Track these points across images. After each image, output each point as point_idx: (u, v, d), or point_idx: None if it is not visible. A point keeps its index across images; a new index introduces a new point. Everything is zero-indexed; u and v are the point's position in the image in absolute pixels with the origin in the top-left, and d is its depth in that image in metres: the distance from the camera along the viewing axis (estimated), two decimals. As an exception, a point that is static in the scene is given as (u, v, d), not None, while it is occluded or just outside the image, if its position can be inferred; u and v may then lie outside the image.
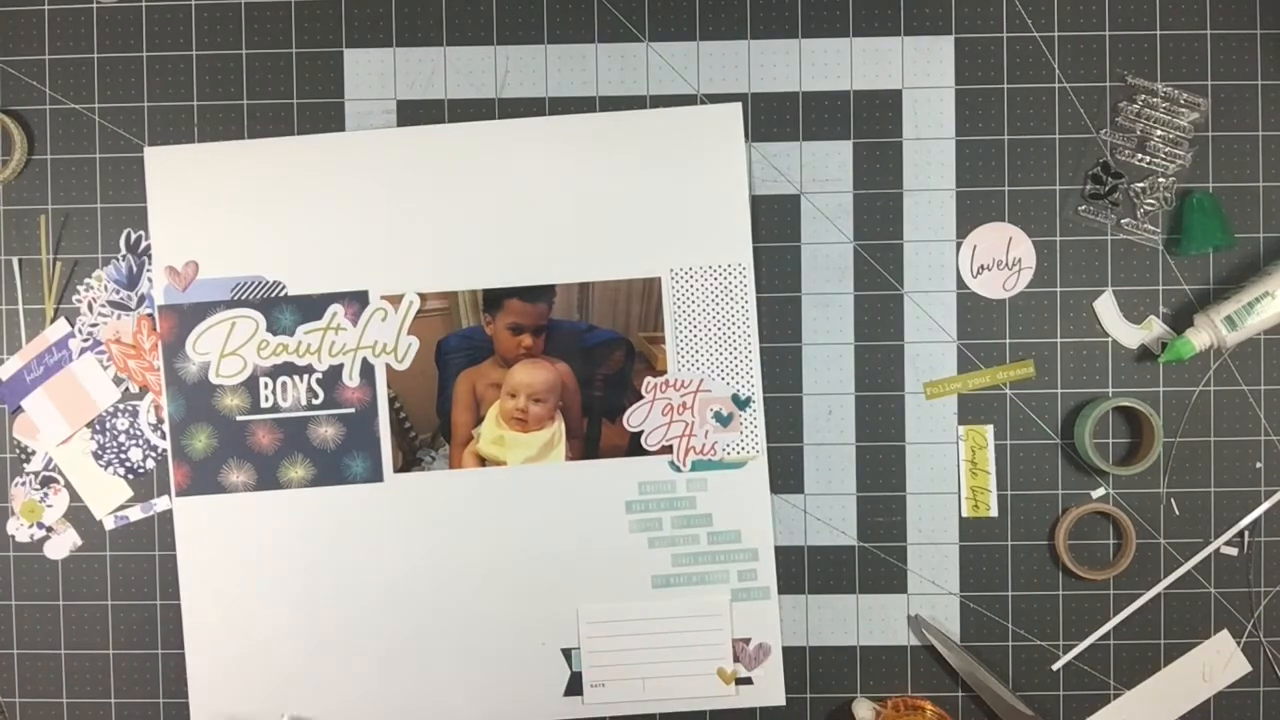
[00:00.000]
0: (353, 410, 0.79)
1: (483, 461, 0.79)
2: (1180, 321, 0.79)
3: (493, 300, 0.79)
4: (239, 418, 0.79)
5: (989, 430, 0.80)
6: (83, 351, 0.80)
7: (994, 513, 0.80)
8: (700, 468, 0.79)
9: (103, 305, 0.80)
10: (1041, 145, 0.80)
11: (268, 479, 0.79)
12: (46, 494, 0.80)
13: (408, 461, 0.79)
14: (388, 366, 0.79)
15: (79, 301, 0.80)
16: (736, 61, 0.80)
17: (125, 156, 0.80)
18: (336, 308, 0.79)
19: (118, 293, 0.80)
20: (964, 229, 0.80)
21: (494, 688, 0.79)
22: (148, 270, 0.80)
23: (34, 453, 0.81)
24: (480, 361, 0.79)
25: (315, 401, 0.79)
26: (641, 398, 0.79)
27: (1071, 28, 0.80)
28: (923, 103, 0.80)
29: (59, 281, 0.80)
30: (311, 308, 0.79)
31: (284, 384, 0.79)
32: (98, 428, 0.80)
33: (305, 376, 0.79)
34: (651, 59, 0.80)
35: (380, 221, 0.79)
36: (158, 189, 0.80)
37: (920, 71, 0.80)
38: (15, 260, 0.80)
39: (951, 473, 0.80)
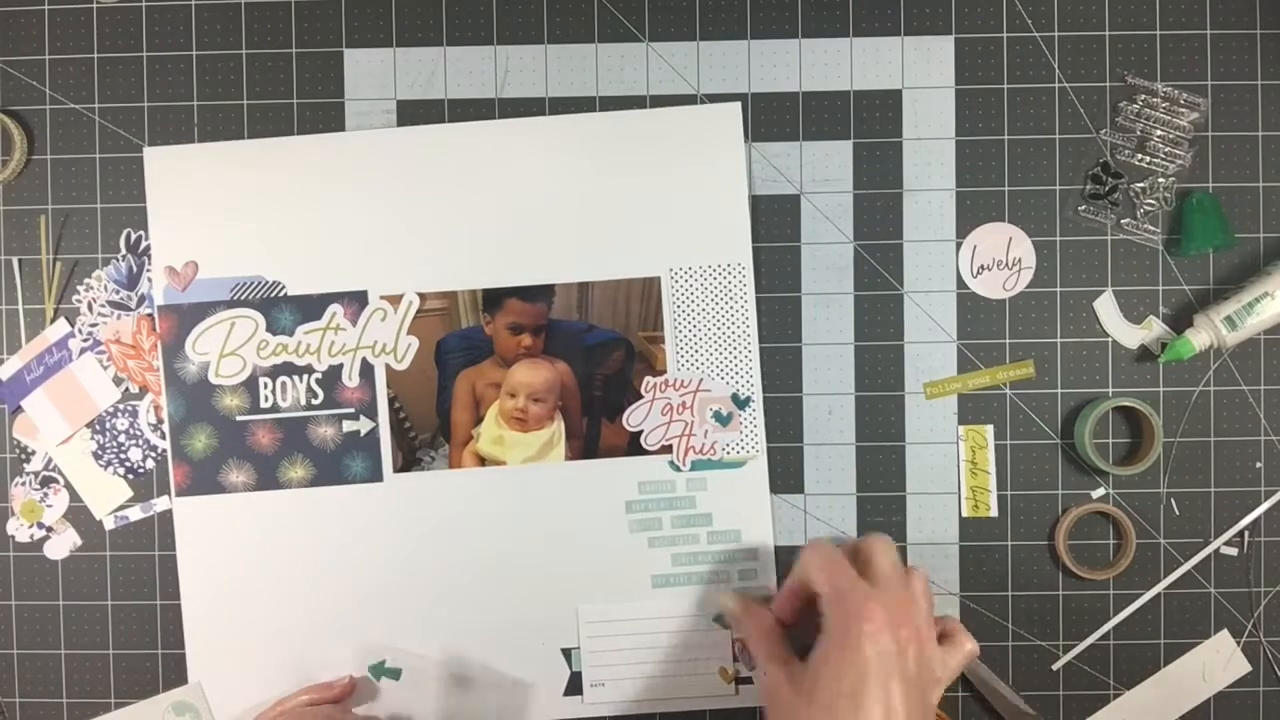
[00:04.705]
0: (352, 410, 0.79)
1: (482, 461, 0.79)
2: (1180, 321, 0.79)
3: (492, 300, 0.79)
4: (239, 418, 0.79)
5: (989, 430, 0.80)
6: (83, 351, 0.80)
7: (994, 513, 0.80)
8: (700, 467, 0.79)
9: (103, 305, 0.80)
10: (1041, 145, 0.80)
11: (268, 479, 0.79)
12: (46, 494, 0.80)
13: (408, 461, 0.79)
14: (387, 366, 0.79)
15: (79, 301, 0.80)
16: (736, 61, 0.80)
17: (125, 156, 0.80)
18: (336, 308, 0.79)
19: (118, 293, 0.80)
20: (964, 229, 0.80)
21: (493, 687, 0.79)
22: (147, 270, 0.80)
23: (34, 453, 0.81)
24: (480, 361, 0.79)
25: (315, 401, 0.79)
26: (641, 397, 0.79)
27: (1071, 28, 0.80)
28: (923, 103, 0.80)
29: (59, 281, 0.81)
30: (311, 308, 0.79)
31: (284, 384, 0.79)
32: (98, 428, 0.80)
33: (305, 376, 0.79)
34: (651, 59, 0.80)
35: (380, 221, 0.79)
36: (158, 189, 0.80)
37: (920, 71, 0.80)
38: (15, 260, 0.80)
39: (951, 473, 0.80)
